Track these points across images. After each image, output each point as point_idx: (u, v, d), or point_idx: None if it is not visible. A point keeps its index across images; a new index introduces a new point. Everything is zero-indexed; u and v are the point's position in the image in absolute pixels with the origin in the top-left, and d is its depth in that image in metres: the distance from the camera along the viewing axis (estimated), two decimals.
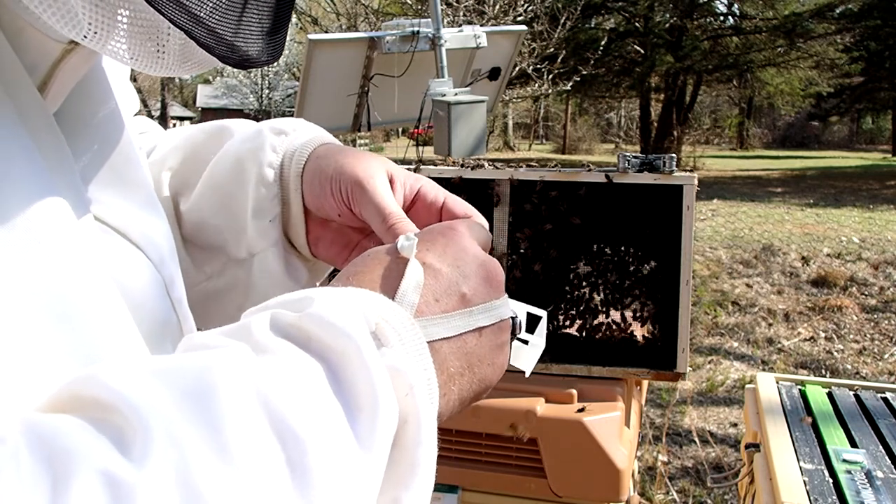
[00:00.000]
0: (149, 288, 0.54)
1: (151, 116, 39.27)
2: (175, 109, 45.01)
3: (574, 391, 1.69)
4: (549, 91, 12.09)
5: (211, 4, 0.42)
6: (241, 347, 0.39)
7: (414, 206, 0.65)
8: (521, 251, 1.76)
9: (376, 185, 0.62)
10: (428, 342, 0.45)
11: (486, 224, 0.62)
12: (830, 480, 1.37)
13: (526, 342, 0.58)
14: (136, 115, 0.75)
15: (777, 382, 1.90)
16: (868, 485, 1.35)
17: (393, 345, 0.43)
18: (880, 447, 1.52)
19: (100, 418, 0.34)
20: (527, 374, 0.59)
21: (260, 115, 26.53)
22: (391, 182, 0.64)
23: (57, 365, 0.41)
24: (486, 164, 1.81)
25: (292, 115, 3.63)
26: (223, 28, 0.43)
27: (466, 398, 0.49)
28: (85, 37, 0.41)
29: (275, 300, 0.45)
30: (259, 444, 0.34)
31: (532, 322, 0.59)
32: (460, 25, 5.27)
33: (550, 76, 11.18)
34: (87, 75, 0.53)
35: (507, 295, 0.54)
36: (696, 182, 1.69)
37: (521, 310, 0.59)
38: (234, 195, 0.68)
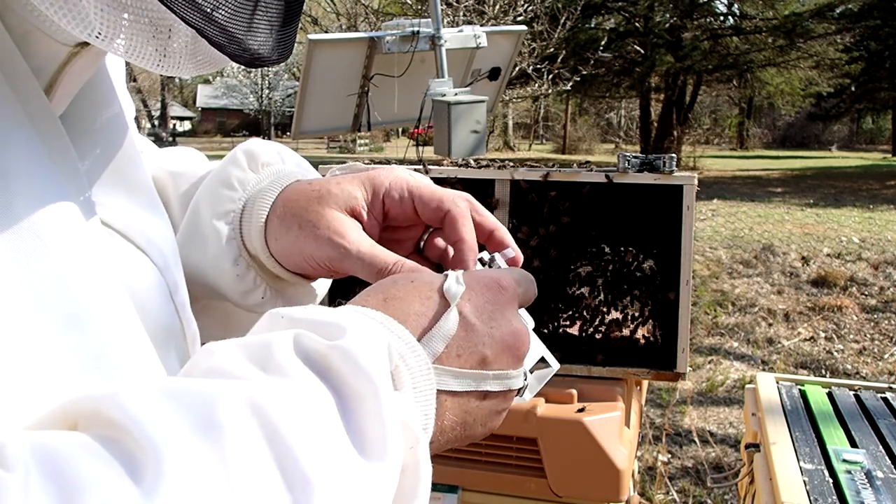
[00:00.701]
0: (153, 292, 0.54)
1: (151, 116, 39.25)
2: (175, 109, 45.00)
3: (574, 391, 1.69)
4: (549, 91, 12.09)
5: (222, 3, 0.42)
6: (259, 379, 0.39)
7: (389, 217, 0.62)
8: (522, 251, 1.76)
9: (350, 244, 0.58)
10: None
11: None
12: (830, 480, 1.37)
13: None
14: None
15: (777, 382, 1.90)
16: (868, 485, 1.35)
17: (405, 391, 0.43)
18: (880, 447, 1.52)
19: (112, 438, 0.34)
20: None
21: (260, 114, 26.49)
22: (358, 216, 0.61)
23: (65, 369, 0.41)
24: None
25: (292, 116, 3.63)
26: (234, 26, 0.43)
27: (447, 447, 0.50)
28: (97, 36, 0.41)
29: (305, 315, 0.44)
30: (267, 485, 0.34)
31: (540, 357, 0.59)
32: (460, 25, 5.27)
33: (550, 76, 11.18)
34: (91, 79, 0.53)
35: (524, 366, 0.53)
36: (696, 182, 1.68)
37: (538, 351, 0.58)
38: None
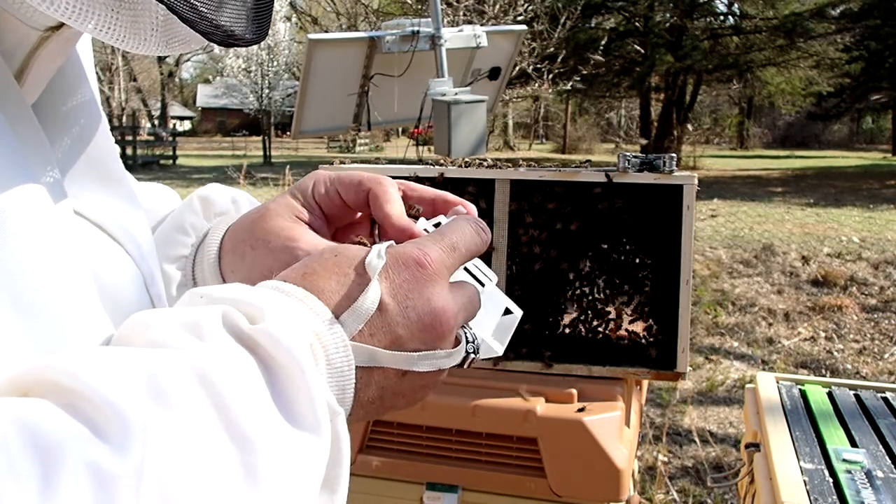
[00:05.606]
0: (128, 283, 0.54)
1: (151, 116, 39.25)
2: (175, 109, 45.03)
3: (574, 391, 1.68)
4: (550, 91, 12.10)
5: None
6: (200, 349, 0.40)
7: (326, 214, 0.63)
8: (522, 250, 1.76)
9: (305, 245, 0.59)
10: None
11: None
12: (830, 480, 1.37)
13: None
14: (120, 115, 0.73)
15: (777, 382, 1.90)
16: (868, 485, 1.35)
17: (320, 367, 0.44)
18: (880, 447, 1.52)
19: (71, 405, 0.34)
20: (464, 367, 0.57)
21: (260, 114, 26.49)
22: (303, 220, 0.61)
23: (16, 354, 0.41)
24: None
25: (292, 116, 3.63)
26: (206, 4, 0.42)
27: (365, 420, 0.51)
28: (64, 13, 0.40)
29: (224, 294, 0.44)
30: (218, 447, 0.36)
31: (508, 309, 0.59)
32: (460, 25, 5.27)
33: (550, 76, 11.18)
34: (62, 66, 0.52)
35: (460, 335, 0.52)
36: (696, 182, 1.68)
37: (501, 302, 0.59)
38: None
